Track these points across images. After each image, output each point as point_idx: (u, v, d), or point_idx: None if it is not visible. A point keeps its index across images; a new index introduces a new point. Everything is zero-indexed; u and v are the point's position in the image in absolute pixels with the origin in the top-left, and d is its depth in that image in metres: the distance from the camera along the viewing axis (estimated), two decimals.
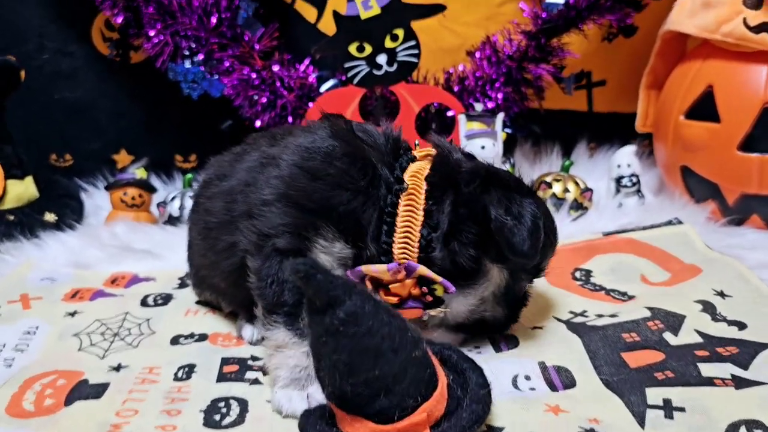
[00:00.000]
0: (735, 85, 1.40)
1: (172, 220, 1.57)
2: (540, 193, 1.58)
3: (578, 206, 1.57)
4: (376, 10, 1.58)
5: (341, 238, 0.88)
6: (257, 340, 1.03)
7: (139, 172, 1.60)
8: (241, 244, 0.92)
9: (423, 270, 0.87)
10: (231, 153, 1.06)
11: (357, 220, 0.88)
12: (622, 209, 1.60)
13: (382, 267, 0.87)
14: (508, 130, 1.78)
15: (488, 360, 0.93)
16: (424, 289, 0.88)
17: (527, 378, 0.90)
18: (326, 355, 0.70)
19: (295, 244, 0.87)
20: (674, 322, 1.02)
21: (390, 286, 0.88)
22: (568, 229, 1.47)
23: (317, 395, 0.81)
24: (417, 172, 0.91)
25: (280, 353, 0.87)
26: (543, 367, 0.93)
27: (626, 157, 1.65)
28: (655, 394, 0.84)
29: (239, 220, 0.92)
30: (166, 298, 1.23)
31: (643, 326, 1.01)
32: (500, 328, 1.00)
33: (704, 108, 1.44)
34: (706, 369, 0.88)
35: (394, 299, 0.88)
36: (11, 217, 1.49)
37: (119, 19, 1.58)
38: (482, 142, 1.56)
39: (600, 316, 1.06)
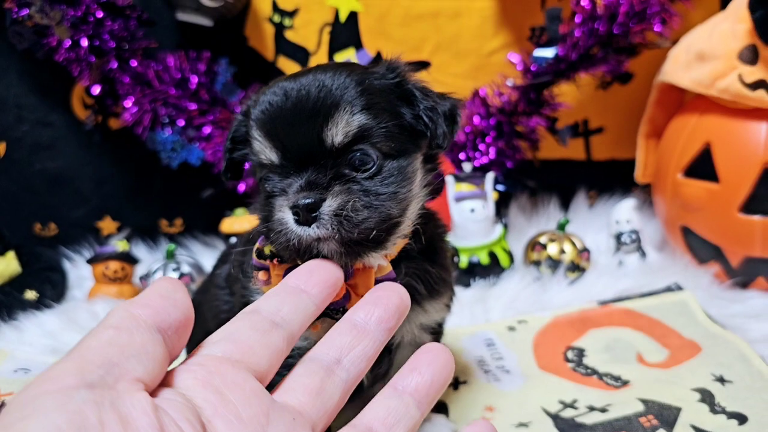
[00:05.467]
0: (733, 144, 1.32)
1: None
2: (535, 255, 1.50)
3: (575, 268, 1.49)
4: None
5: None
6: None
7: (120, 245, 1.56)
8: None
9: None
10: None
11: None
12: (622, 268, 1.52)
13: None
14: (501, 188, 1.71)
15: None
16: None
17: None
18: None
19: None
20: (669, 416, 0.96)
21: None
22: (564, 296, 1.40)
23: None
24: None
25: None
26: None
27: (625, 212, 1.57)
28: None
29: None
30: None
31: (635, 423, 0.95)
32: None
33: (703, 166, 1.37)
34: None
35: None
36: None
37: (96, 90, 1.53)
38: (472, 205, 1.50)
39: (591, 409, 1.00)
